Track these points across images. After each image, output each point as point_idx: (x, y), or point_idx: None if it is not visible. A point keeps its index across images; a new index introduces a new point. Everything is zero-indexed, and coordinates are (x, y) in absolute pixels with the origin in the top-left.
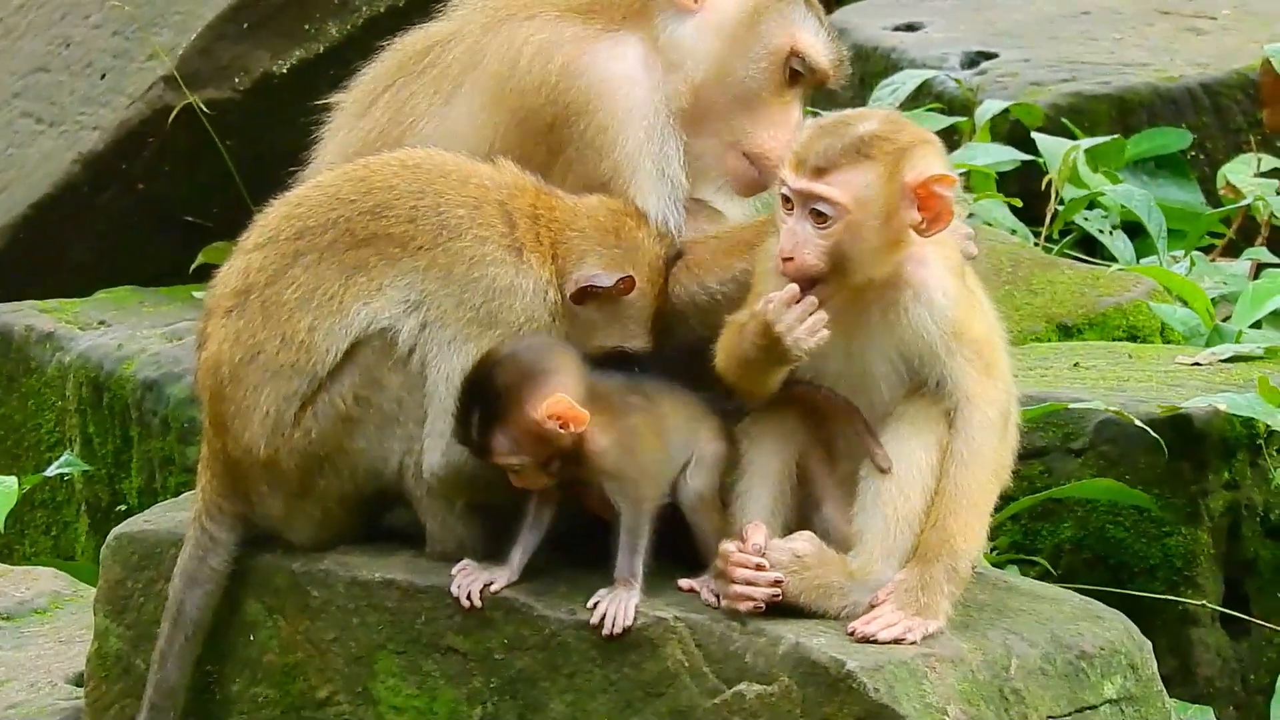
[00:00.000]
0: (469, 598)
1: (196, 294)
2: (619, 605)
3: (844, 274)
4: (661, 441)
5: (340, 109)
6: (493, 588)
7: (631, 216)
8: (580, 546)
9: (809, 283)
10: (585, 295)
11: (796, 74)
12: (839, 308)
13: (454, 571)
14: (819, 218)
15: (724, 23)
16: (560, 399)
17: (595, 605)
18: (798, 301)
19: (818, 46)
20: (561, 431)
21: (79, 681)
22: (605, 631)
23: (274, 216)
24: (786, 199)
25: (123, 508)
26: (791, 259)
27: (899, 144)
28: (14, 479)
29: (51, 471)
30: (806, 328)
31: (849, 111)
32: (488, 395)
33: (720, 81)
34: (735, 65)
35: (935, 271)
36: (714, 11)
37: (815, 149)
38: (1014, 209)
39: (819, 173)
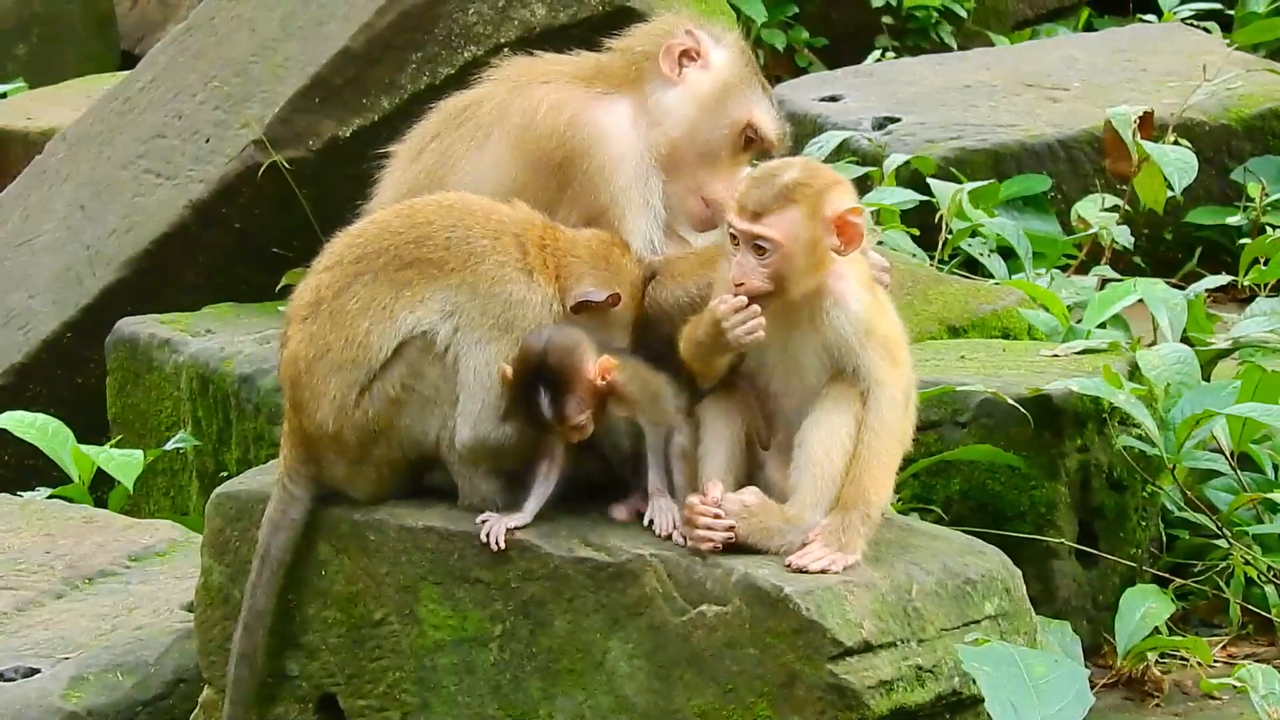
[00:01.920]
0: (495, 541)
1: (281, 309)
2: (667, 513)
3: (781, 290)
4: (660, 378)
5: (396, 156)
6: (510, 525)
7: (618, 246)
8: (578, 500)
9: (754, 298)
10: (582, 308)
11: (750, 140)
12: (776, 313)
13: (479, 520)
14: (759, 251)
15: (699, 95)
16: (605, 357)
17: (650, 522)
18: (743, 309)
19: (769, 122)
20: (604, 382)
21: (190, 608)
22: (663, 533)
23: (339, 245)
24: (733, 236)
25: (225, 474)
26: (742, 284)
27: (817, 187)
28: (140, 452)
29: (169, 446)
30: (745, 328)
31: (775, 162)
32: (551, 377)
33: (691, 140)
34: (704, 129)
35: (850, 285)
36: (692, 85)
37: (752, 196)
38: (914, 238)
39: (756, 216)
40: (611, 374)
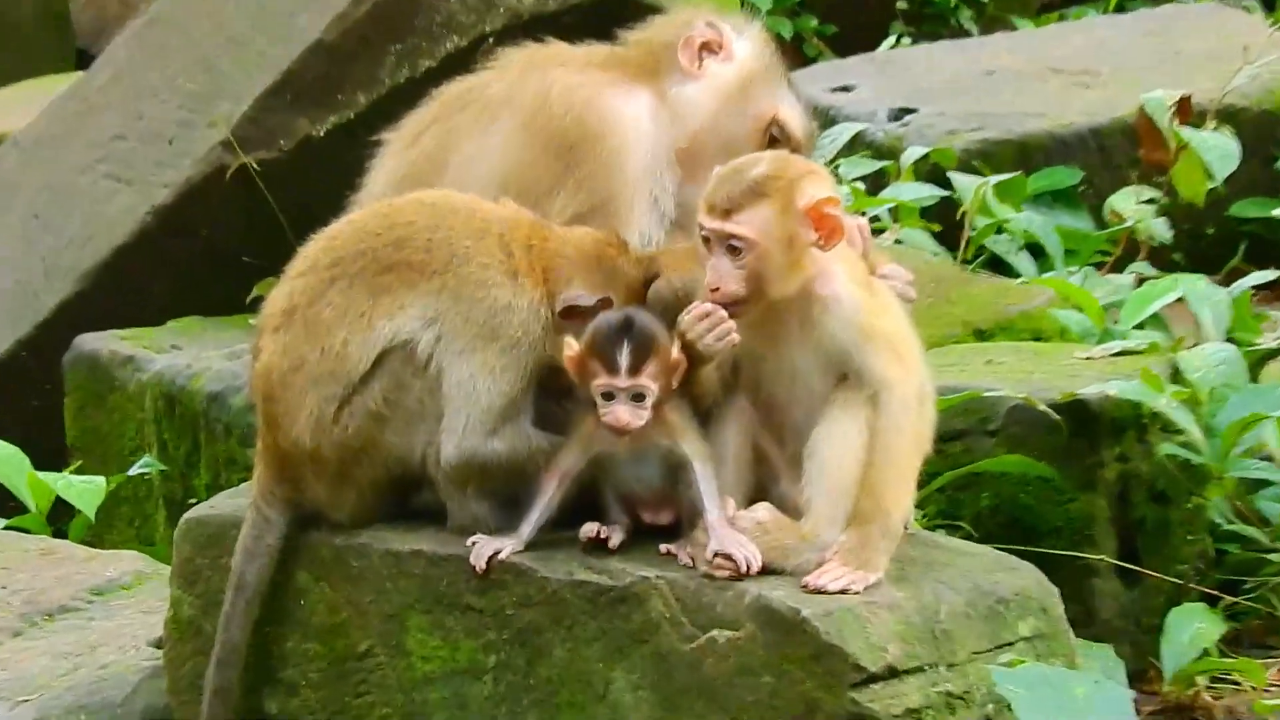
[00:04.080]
0: (481, 564)
1: (252, 321)
2: (741, 547)
3: (762, 293)
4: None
5: (389, 144)
6: (501, 555)
7: (613, 246)
8: (576, 524)
9: (734, 303)
10: (571, 313)
11: (774, 139)
12: (766, 319)
13: (469, 543)
14: (734, 252)
15: (720, 89)
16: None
17: (728, 558)
18: (708, 316)
19: (794, 118)
20: (675, 376)
21: (158, 644)
22: (744, 570)
23: (313, 249)
24: (706, 238)
25: (194, 501)
26: (717, 289)
27: (788, 179)
28: (103, 479)
29: (134, 471)
30: (714, 335)
31: (745, 158)
32: (643, 332)
33: (712, 136)
34: (725, 124)
35: (839, 285)
36: (713, 78)
37: (720, 194)
38: (935, 235)
39: (727, 214)
40: (680, 370)
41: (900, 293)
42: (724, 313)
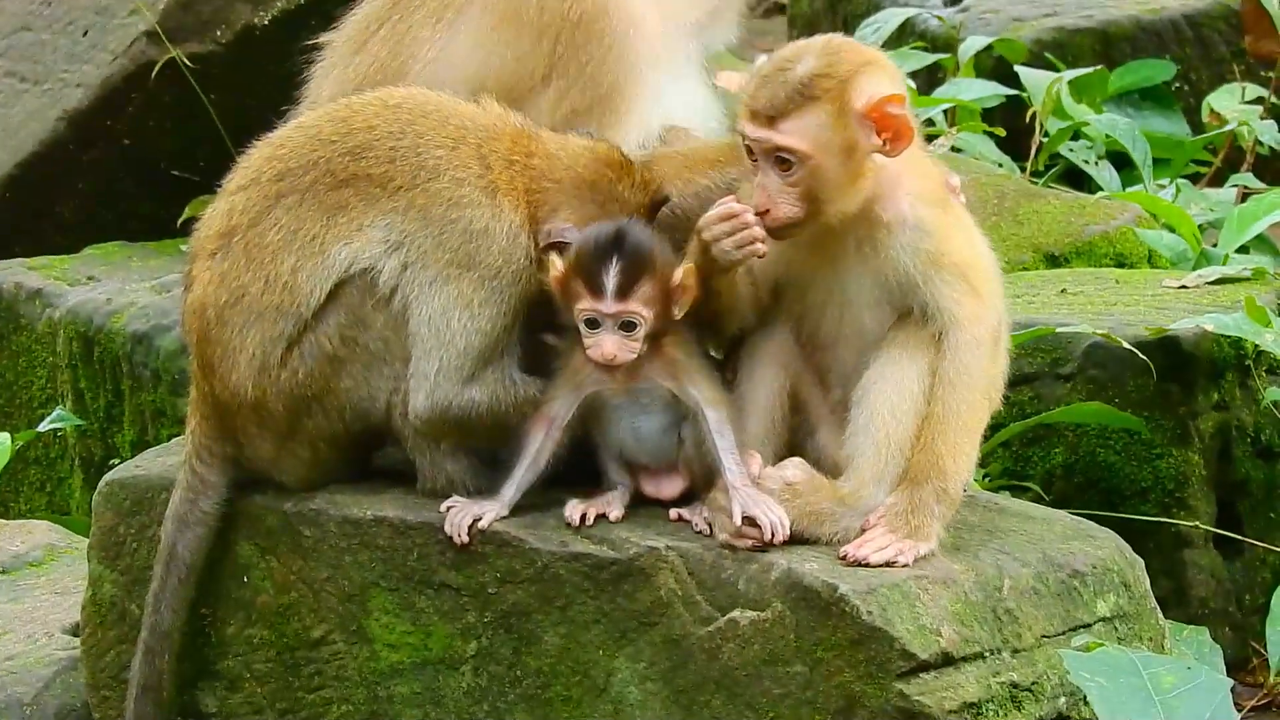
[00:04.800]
0: (460, 534)
1: (184, 248)
2: (768, 510)
3: (818, 213)
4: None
5: (332, 47)
6: (482, 523)
7: (614, 167)
8: (571, 482)
9: (786, 226)
10: (553, 249)
11: None
12: (818, 239)
13: (443, 508)
14: (783, 165)
15: None
16: (690, 269)
17: (752, 523)
18: (733, 217)
19: None
20: (675, 304)
21: (75, 632)
22: (769, 539)
23: (256, 158)
24: (749, 149)
25: (115, 461)
26: (768, 211)
27: (841, 75)
28: (6, 436)
29: (44, 427)
30: (734, 240)
31: (788, 48)
32: (635, 250)
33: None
34: None
35: (906, 204)
36: None
37: (763, 98)
38: (999, 142)
39: (772, 121)
40: (684, 298)
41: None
42: (753, 217)
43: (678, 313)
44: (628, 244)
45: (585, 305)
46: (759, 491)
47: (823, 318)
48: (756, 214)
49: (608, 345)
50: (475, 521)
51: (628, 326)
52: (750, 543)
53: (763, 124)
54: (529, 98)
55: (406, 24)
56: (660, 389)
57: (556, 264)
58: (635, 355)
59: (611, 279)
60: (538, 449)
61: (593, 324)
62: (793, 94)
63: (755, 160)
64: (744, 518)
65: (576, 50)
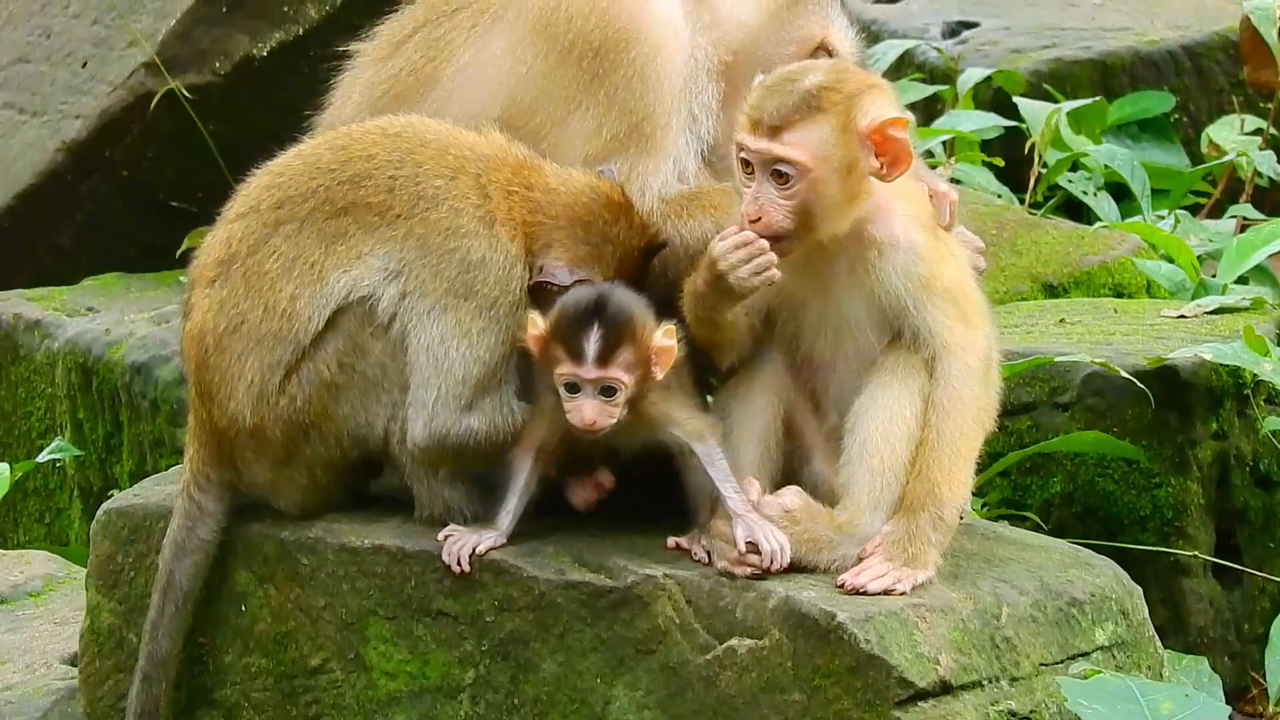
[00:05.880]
0: (458, 562)
1: (183, 278)
2: (768, 534)
3: (809, 229)
4: (687, 382)
5: (363, 55)
6: (479, 549)
7: (611, 208)
8: (566, 509)
9: (775, 239)
10: (539, 289)
11: None
12: (811, 260)
13: (441, 536)
14: (780, 178)
15: (764, 0)
16: (670, 330)
17: (754, 548)
18: (747, 245)
19: (846, 45)
20: (656, 366)
21: (74, 662)
22: (768, 566)
23: (256, 186)
24: (745, 162)
25: (114, 492)
26: (758, 219)
27: (847, 91)
28: (5, 466)
29: (43, 458)
30: (750, 267)
31: (792, 66)
32: (616, 316)
33: (750, 55)
34: (767, 42)
35: (899, 226)
36: None
37: (768, 107)
38: (997, 173)
39: (774, 131)
40: (665, 361)
41: (970, 261)
42: (765, 243)
43: (658, 374)
44: (609, 310)
45: (565, 370)
46: (761, 517)
47: (816, 340)
48: (749, 222)
49: (588, 411)
50: (474, 549)
51: (608, 392)
52: (750, 570)
53: (764, 134)
54: (559, 122)
55: (442, 29)
56: (644, 439)
57: (537, 323)
58: (615, 420)
59: (592, 345)
60: (528, 475)
61: (573, 388)
62: (799, 104)
63: (750, 173)
64: (747, 543)
65: (606, 75)
